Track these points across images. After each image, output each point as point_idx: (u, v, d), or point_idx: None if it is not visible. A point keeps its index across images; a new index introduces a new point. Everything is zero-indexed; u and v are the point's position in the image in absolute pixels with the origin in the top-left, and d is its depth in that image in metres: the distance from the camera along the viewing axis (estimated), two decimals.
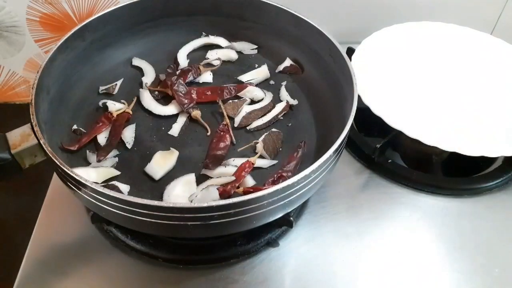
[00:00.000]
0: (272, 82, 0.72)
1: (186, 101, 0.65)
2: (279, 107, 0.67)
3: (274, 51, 0.75)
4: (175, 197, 0.54)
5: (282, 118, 0.66)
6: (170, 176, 0.58)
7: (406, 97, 0.75)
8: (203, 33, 0.77)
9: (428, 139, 0.64)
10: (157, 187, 0.57)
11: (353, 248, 0.60)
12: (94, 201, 0.46)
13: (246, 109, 0.66)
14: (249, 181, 0.57)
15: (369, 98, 0.68)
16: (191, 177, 0.57)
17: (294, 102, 0.68)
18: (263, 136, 0.62)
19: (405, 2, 0.91)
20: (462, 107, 0.74)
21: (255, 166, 0.58)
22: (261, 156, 0.60)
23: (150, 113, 0.66)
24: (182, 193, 0.55)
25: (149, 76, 0.71)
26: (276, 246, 0.59)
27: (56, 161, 0.46)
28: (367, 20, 0.91)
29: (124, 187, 0.56)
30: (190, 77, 0.69)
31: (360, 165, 0.70)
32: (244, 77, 0.71)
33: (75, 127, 0.62)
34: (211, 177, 0.57)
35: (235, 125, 0.64)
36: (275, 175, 0.56)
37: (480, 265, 0.59)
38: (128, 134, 0.63)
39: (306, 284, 0.56)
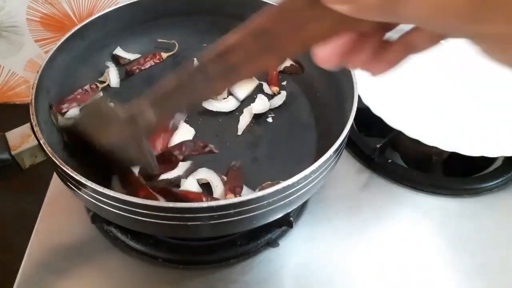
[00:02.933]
0: None
1: None
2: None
3: None
4: None
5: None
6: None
7: (406, 97, 0.75)
8: None
9: (428, 139, 0.64)
10: None
11: (353, 248, 0.60)
12: (94, 201, 0.46)
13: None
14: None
15: (369, 98, 0.68)
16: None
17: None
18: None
19: None
20: (462, 107, 0.74)
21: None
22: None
23: None
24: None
25: None
26: (276, 246, 0.59)
27: (56, 161, 0.46)
28: None
29: None
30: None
31: (360, 165, 0.70)
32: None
33: None
34: None
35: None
36: None
37: (480, 265, 0.59)
38: None
39: (306, 284, 0.56)
